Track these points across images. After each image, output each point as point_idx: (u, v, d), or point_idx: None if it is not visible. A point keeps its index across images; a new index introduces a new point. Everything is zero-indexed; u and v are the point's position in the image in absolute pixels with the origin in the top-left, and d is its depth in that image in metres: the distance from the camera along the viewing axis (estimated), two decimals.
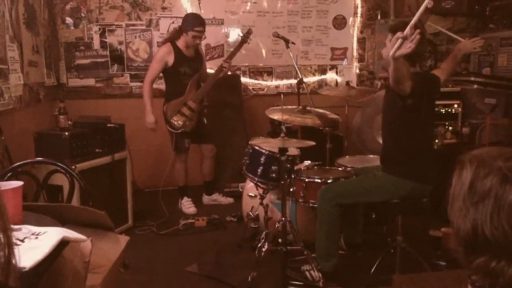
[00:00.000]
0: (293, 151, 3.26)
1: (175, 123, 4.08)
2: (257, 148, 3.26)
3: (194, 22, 4.04)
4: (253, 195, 3.43)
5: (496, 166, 0.93)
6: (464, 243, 0.97)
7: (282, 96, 4.17)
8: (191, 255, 3.30)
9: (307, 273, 2.83)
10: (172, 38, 4.15)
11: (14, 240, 1.28)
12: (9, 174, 2.19)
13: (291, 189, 3.07)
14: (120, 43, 4.91)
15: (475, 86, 4.38)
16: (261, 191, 3.29)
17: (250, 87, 5.24)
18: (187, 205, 4.29)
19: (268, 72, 5.26)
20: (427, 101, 2.65)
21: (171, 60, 4.07)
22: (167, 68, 4.09)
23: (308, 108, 3.14)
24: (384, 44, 2.54)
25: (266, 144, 3.17)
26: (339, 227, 2.81)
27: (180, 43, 4.11)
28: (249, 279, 2.77)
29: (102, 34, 4.86)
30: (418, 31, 2.13)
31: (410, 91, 2.48)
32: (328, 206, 2.73)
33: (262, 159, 3.22)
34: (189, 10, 4.86)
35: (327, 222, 2.74)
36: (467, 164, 0.98)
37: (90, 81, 4.91)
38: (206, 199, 4.53)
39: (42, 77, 4.29)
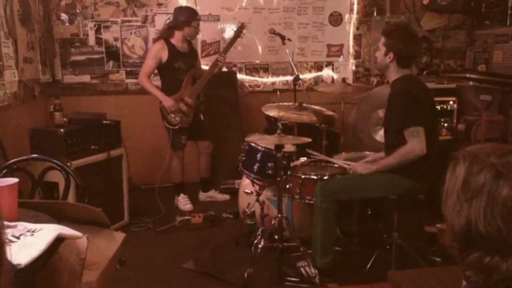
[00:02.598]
0: (289, 147, 3.26)
1: (172, 119, 4.07)
2: (253, 144, 3.25)
3: (192, 12, 4.15)
4: (249, 191, 3.43)
5: (489, 162, 0.94)
6: (458, 239, 0.97)
7: (278, 92, 4.13)
8: (187, 252, 3.31)
9: (302, 269, 2.84)
10: (165, 35, 4.14)
11: (10, 237, 1.28)
12: (4, 171, 2.18)
13: (287, 186, 3.07)
14: (116, 39, 4.88)
15: (471, 82, 4.40)
16: (257, 187, 3.29)
17: (246, 84, 5.22)
18: (183, 202, 4.28)
19: (264, 68, 5.25)
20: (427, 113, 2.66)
21: (165, 56, 4.05)
22: (162, 64, 4.08)
23: (304, 104, 3.15)
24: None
25: (262, 141, 3.17)
26: (336, 224, 2.81)
27: (174, 39, 4.10)
28: (245, 275, 2.78)
29: (98, 31, 4.84)
30: None
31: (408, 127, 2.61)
32: (324, 202, 2.74)
33: (258, 155, 3.22)
34: None
35: (323, 218, 2.75)
36: (460, 160, 0.98)
37: (86, 78, 4.89)
38: (202, 196, 4.52)
39: (37, 73, 4.27)
